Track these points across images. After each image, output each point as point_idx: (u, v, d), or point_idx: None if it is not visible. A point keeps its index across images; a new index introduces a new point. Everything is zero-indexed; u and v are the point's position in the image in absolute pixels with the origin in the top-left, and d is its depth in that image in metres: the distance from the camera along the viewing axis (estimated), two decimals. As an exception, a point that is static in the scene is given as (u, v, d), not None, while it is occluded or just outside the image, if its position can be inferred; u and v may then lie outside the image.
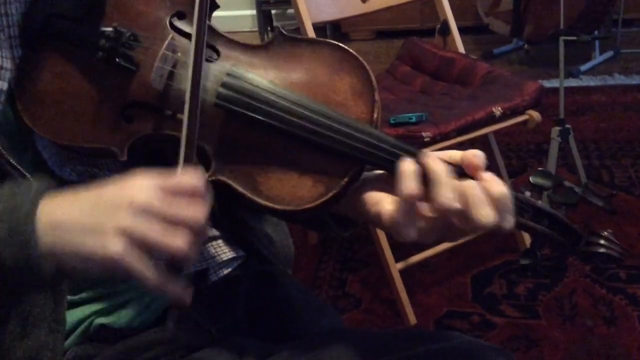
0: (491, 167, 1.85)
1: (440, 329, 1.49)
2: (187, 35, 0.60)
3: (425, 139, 1.32)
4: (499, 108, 1.40)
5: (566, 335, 1.43)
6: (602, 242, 0.60)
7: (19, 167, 0.55)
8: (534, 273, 1.59)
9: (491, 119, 1.40)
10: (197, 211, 0.49)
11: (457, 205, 0.51)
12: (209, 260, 0.73)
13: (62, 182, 0.61)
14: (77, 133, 0.59)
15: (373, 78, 0.58)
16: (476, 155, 0.54)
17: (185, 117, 0.55)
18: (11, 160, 0.54)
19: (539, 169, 0.61)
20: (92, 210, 0.49)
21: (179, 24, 0.60)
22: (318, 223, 0.66)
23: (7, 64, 0.55)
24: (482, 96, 1.48)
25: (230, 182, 0.58)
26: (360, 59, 0.58)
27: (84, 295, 0.64)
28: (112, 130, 0.59)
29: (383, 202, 0.55)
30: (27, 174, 0.55)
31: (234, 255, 0.75)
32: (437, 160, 0.53)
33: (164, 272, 0.49)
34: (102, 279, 0.64)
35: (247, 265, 0.76)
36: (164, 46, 0.58)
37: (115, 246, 0.47)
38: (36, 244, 0.48)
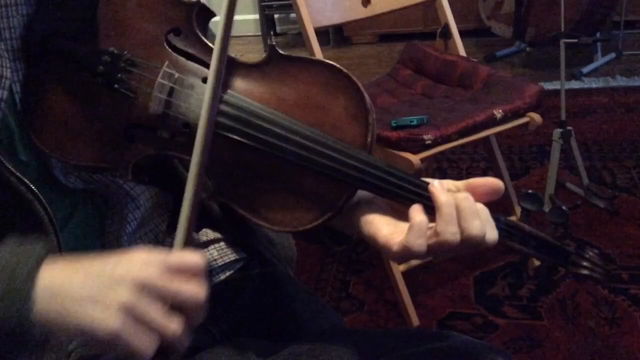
0: (493, 169, 1.84)
1: (443, 330, 1.50)
2: (184, 54, 0.60)
3: (427, 142, 1.32)
4: (500, 110, 1.41)
5: (568, 336, 1.43)
6: (585, 264, 0.62)
7: (23, 178, 0.55)
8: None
9: (492, 122, 1.41)
10: (198, 291, 0.50)
11: (459, 239, 0.52)
12: (211, 263, 0.74)
13: (67, 191, 0.62)
14: (83, 153, 0.60)
15: (368, 100, 0.57)
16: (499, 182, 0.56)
17: (189, 189, 0.55)
18: (14, 171, 0.55)
19: (529, 191, 0.62)
20: (94, 282, 0.49)
21: (176, 41, 0.60)
22: (313, 237, 0.67)
23: (7, 73, 0.56)
24: (483, 99, 1.49)
25: (230, 203, 0.59)
26: (355, 79, 0.58)
27: None
28: (116, 150, 0.59)
29: (377, 223, 0.57)
30: (31, 186, 0.56)
31: (236, 257, 0.76)
32: (465, 195, 0.53)
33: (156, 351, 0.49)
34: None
35: (249, 267, 0.77)
36: (160, 75, 0.58)
37: (115, 320, 0.47)
38: (31, 309, 0.48)
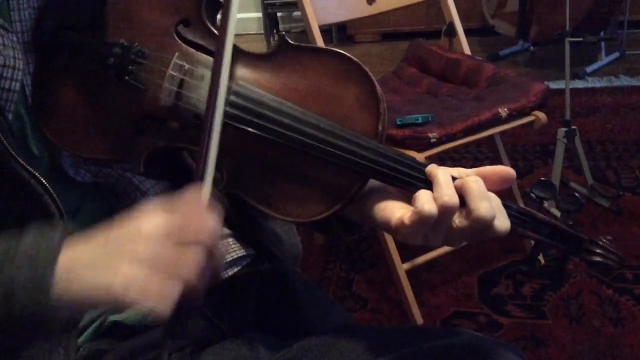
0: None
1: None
2: (194, 45, 0.60)
3: (432, 140, 1.32)
4: (505, 109, 1.41)
5: (572, 335, 1.43)
6: (599, 251, 0.61)
7: (34, 172, 0.55)
8: (534, 277, 1.59)
9: (497, 120, 1.40)
10: (206, 226, 0.49)
11: (494, 214, 0.52)
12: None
13: (76, 185, 0.62)
14: (94, 146, 0.60)
15: (378, 89, 0.57)
16: (510, 170, 0.55)
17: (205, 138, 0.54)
18: (25, 165, 0.55)
19: (542, 179, 0.62)
20: (102, 248, 0.48)
21: (185, 32, 0.60)
22: (324, 226, 0.67)
23: (19, 64, 0.56)
24: (488, 97, 1.49)
25: (241, 194, 0.59)
26: (366, 68, 0.58)
27: None
28: (127, 143, 0.59)
29: (390, 208, 0.56)
30: (42, 180, 0.56)
31: (244, 253, 0.76)
32: (474, 178, 0.53)
33: (175, 305, 0.47)
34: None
35: (257, 263, 0.77)
36: (171, 66, 0.58)
37: (124, 274, 0.46)
38: (53, 295, 0.47)
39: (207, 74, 0.57)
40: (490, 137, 1.59)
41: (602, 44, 2.97)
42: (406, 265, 1.52)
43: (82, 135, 0.60)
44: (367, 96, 0.57)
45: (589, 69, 2.90)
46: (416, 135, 1.33)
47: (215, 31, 0.60)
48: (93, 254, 0.48)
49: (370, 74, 0.58)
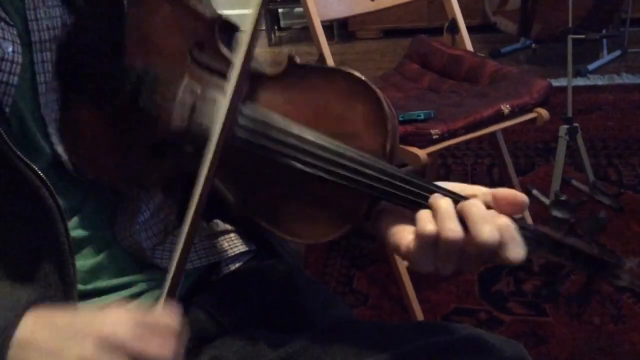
0: (499, 165, 1.84)
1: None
2: (207, 68, 0.60)
3: (434, 136, 1.32)
4: (508, 106, 1.40)
5: (573, 332, 1.43)
6: (626, 277, 0.58)
7: (30, 164, 0.55)
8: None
9: (499, 117, 1.40)
10: (165, 350, 0.48)
11: (498, 238, 0.50)
12: (221, 254, 0.74)
13: (78, 181, 0.62)
14: (113, 171, 0.61)
15: (386, 106, 0.57)
16: (521, 195, 0.53)
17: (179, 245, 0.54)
18: (22, 156, 0.55)
19: (561, 198, 0.59)
20: (60, 335, 0.48)
21: (200, 56, 0.61)
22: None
23: (19, 59, 0.56)
24: (491, 94, 1.49)
25: (252, 217, 0.59)
26: (373, 87, 0.57)
27: (98, 285, 0.64)
28: (143, 169, 0.61)
29: (401, 233, 0.55)
30: (39, 172, 0.56)
31: (246, 249, 0.76)
32: (474, 202, 0.52)
33: None
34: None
35: (258, 259, 0.77)
36: (182, 89, 0.59)
37: None
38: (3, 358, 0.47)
39: (220, 96, 0.58)
40: (492, 134, 1.59)
41: (604, 41, 2.97)
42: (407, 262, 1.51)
43: (101, 161, 0.61)
44: (374, 114, 0.57)
45: (591, 66, 2.89)
46: (418, 131, 1.33)
47: (229, 54, 0.61)
48: (51, 337, 0.48)
49: (379, 92, 0.57)
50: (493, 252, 0.51)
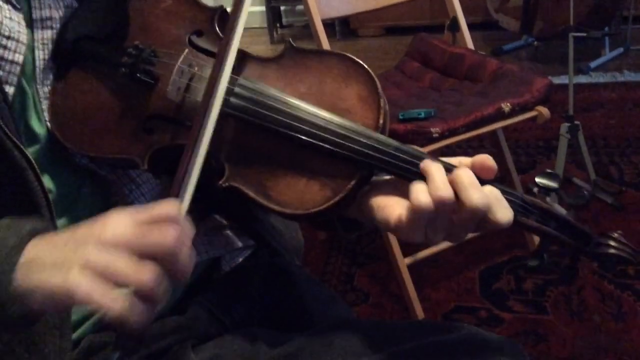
0: (500, 163, 1.84)
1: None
2: (205, 51, 0.63)
3: (434, 135, 1.32)
4: (508, 104, 1.40)
5: (574, 330, 1.43)
6: (612, 243, 0.59)
7: (18, 142, 0.55)
8: (543, 272, 1.58)
9: (500, 115, 1.40)
10: (167, 236, 0.47)
11: (487, 202, 0.51)
12: (220, 249, 0.74)
13: (72, 169, 0.63)
14: (101, 145, 0.62)
15: (379, 85, 0.59)
16: (488, 158, 0.55)
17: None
18: (10, 135, 0.55)
19: (546, 170, 0.61)
20: (62, 247, 0.48)
21: (198, 40, 0.63)
22: (325, 224, 0.67)
23: (23, 38, 0.58)
24: (491, 92, 1.49)
25: (241, 187, 0.59)
26: (367, 67, 0.60)
27: None
28: (134, 141, 0.61)
29: (391, 207, 0.56)
30: (26, 152, 0.56)
31: (245, 244, 0.76)
32: (464, 169, 0.53)
33: (132, 305, 0.45)
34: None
35: (258, 257, 0.77)
36: (180, 60, 0.61)
37: (74, 278, 0.45)
38: (9, 285, 0.47)
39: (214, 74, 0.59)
40: (493, 132, 1.59)
41: (606, 39, 2.96)
42: (408, 260, 1.52)
43: (90, 135, 0.62)
44: (368, 93, 0.59)
45: (593, 64, 2.89)
46: (418, 129, 1.33)
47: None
48: (53, 252, 0.48)
49: (372, 72, 0.59)
50: (482, 217, 0.52)
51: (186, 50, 0.62)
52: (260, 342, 0.66)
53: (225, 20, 0.64)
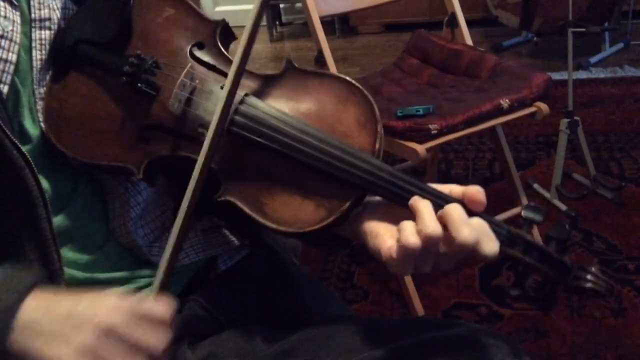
0: (500, 160, 1.83)
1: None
2: (206, 65, 0.63)
3: (433, 131, 1.32)
4: (507, 100, 1.40)
5: (574, 326, 1.43)
6: (589, 277, 0.62)
7: (16, 141, 0.55)
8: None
9: (499, 111, 1.40)
10: (159, 339, 0.51)
11: (477, 237, 0.52)
12: (217, 248, 0.74)
13: (67, 169, 0.62)
14: (96, 152, 0.62)
15: (377, 110, 0.60)
16: (479, 191, 0.56)
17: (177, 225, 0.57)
18: (9, 134, 0.55)
19: (530, 204, 0.63)
20: (62, 321, 0.50)
21: (199, 53, 0.64)
22: (317, 241, 0.67)
23: (17, 38, 0.58)
24: (490, 88, 1.48)
25: (237, 202, 0.60)
26: (365, 92, 0.61)
27: (95, 276, 0.65)
28: (131, 150, 0.62)
29: (382, 236, 0.56)
30: (24, 150, 0.56)
31: (241, 243, 0.76)
32: (454, 205, 0.54)
33: None
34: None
35: (255, 255, 0.77)
36: (183, 74, 0.61)
37: (65, 356, 0.48)
38: (5, 341, 0.49)
39: (216, 88, 0.61)
40: (493, 129, 1.59)
41: (606, 34, 2.96)
42: (407, 257, 1.51)
43: (86, 141, 0.62)
44: (366, 118, 0.60)
45: (593, 59, 2.88)
46: (417, 126, 1.32)
47: (227, 54, 0.64)
48: (52, 322, 0.51)
49: (370, 97, 0.60)
50: (471, 251, 0.53)
51: (189, 65, 0.62)
52: (257, 339, 0.66)
53: (228, 36, 0.66)
